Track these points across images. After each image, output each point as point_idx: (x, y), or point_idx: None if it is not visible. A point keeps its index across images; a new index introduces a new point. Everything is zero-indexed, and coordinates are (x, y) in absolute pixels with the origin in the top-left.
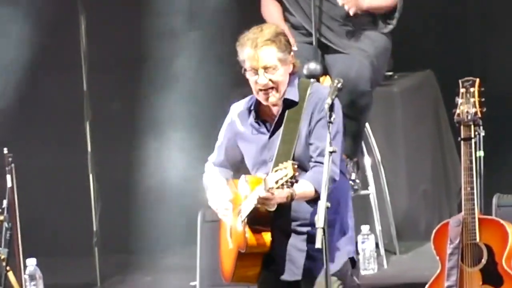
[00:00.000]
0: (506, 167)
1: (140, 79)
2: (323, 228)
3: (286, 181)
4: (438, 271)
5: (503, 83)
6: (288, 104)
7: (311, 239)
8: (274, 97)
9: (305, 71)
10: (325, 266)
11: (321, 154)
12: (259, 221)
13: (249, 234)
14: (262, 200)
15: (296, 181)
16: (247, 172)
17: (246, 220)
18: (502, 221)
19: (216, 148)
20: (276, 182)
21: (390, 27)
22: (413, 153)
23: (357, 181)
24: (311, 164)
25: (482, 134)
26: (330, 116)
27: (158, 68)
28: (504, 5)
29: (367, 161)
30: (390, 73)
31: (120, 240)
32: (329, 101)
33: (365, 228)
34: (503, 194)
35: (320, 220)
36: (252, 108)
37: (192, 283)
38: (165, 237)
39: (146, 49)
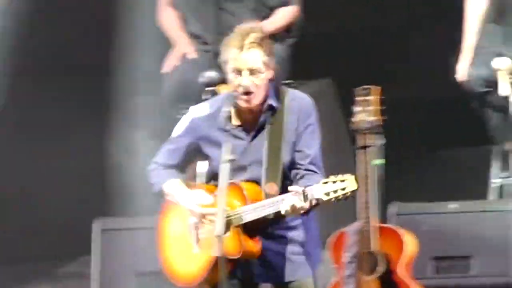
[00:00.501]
0: (410, 174)
1: None
2: (220, 236)
3: (344, 194)
4: (334, 279)
5: (406, 90)
6: (269, 110)
7: (289, 242)
8: (254, 100)
9: (202, 79)
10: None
11: (311, 162)
12: (253, 227)
13: (245, 240)
14: (296, 210)
15: (353, 196)
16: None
17: (241, 225)
18: (397, 229)
19: (168, 151)
20: (327, 194)
21: (290, 40)
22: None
23: None
24: (301, 171)
25: (383, 142)
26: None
27: None
28: (402, 15)
29: None
30: (289, 81)
31: (16, 249)
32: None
33: None
34: (404, 202)
35: (219, 227)
36: (225, 113)
37: None
38: (61, 245)
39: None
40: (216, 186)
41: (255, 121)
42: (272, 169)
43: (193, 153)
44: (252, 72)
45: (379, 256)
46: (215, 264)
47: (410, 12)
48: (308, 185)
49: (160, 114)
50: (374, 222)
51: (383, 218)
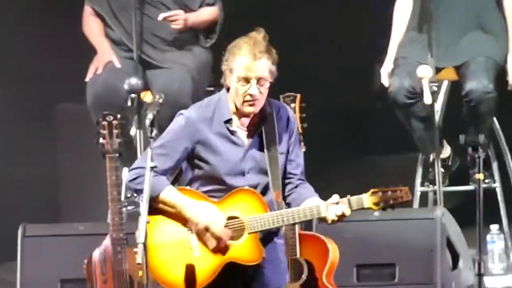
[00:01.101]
0: (335, 181)
1: None
2: (144, 244)
3: (394, 204)
4: None
5: (326, 99)
6: (264, 116)
7: (278, 249)
8: (258, 107)
9: (126, 86)
10: None
11: (302, 172)
12: (267, 235)
13: (261, 247)
14: (343, 218)
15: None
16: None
17: (258, 233)
18: (322, 237)
19: (163, 155)
20: (376, 204)
21: (211, 41)
22: None
23: None
24: (295, 181)
25: (304, 150)
26: (152, 131)
27: None
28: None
29: None
30: (211, 88)
31: None
32: (150, 116)
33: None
34: None
35: (141, 235)
36: (223, 117)
37: None
38: None
39: None
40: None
41: (253, 128)
42: (275, 178)
43: (187, 158)
44: (260, 81)
45: (304, 263)
46: (225, 267)
47: (338, 17)
48: (309, 195)
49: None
50: (299, 229)
51: (307, 226)
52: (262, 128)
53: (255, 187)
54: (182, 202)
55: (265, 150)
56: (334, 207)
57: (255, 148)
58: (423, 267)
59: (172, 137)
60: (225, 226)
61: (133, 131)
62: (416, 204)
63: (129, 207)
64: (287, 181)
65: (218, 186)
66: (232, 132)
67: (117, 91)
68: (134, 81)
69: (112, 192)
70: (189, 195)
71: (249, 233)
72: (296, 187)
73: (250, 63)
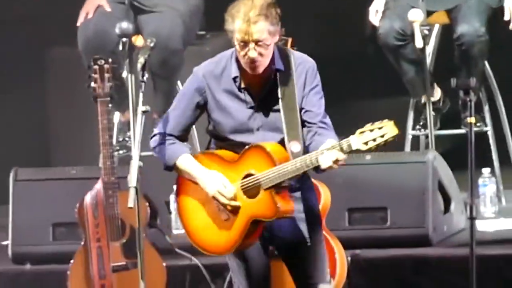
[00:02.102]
0: None
1: None
2: (136, 187)
3: (384, 141)
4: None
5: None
6: (276, 74)
7: (297, 203)
8: (260, 68)
9: (117, 31)
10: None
11: (322, 120)
12: (281, 189)
13: (280, 200)
14: (339, 163)
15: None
16: None
17: (272, 188)
18: (314, 181)
19: (175, 117)
20: (366, 143)
21: None
22: None
23: None
24: (314, 128)
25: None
26: (143, 76)
27: None
28: None
29: None
30: (203, 32)
31: None
32: (141, 60)
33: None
34: None
35: (132, 179)
36: (232, 74)
37: (3, 243)
38: None
39: None
40: (233, 152)
41: (262, 85)
42: (292, 128)
43: (199, 115)
44: (258, 43)
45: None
46: (250, 228)
47: None
48: (326, 141)
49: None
50: None
51: None
52: (273, 85)
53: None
54: (194, 172)
55: (280, 105)
56: (327, 153)
57: (266, 105)
58: (415, 210)
59: (184, 96)
60: (241, 186)
61: (124, 74)
62: (407, 147)
63: (121, 151)
64: (306, 129)
65: (229, 142)
66: (240, 89)
67: (108, 35)
68: (125, 25)
69: (103, 135)
70: (204, 161)
71: (265, 189)
72: (314, 135)
73: (246, 27)
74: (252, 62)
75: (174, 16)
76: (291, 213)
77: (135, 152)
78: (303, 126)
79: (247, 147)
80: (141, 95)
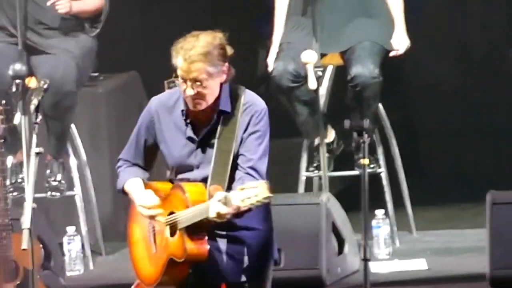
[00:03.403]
0: None
1: None
2: (30, 229)
3: (257, 201)
4: None
5: None
6: (221, 115)
7: (231, 240)
8: (200, 105)
9: (10, 72)
10: None
11: (252, 167)
12: (197, 230)
13: (188, 243)
14: (222, 216)
15: (269, 203)
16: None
17: (184, 229)
18: None
19: (131, 145)
20: (243, 201)
21: (96, 30)
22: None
23: (63, 182)
24: (240, 173)
25: None
26: (36, 117)
27: None
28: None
29: (72, 162)
30: (96, 74)
31: None
32: (35, 102)
33: (71, 229)
34: None
35: (26, 221)
36: (180, 108)
37: None
38: None
39: None
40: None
41: (206, 123)
42: (219, 171)
43: (155, 147)
44: (195, 83)
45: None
46: (170, 265)
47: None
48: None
49: None
50: None
51: None
52: (216, 124)
53: (205, 180)
54: (132, 192)
55: (215, 145)
56: (215, 204)
57: (207, 143)
58: (309, 252)
59: (136, 130)
60: (165, 222)
61: (17, 117)
62: (301, 189)
63: (14, 193)
64: (236, 172)
65: (176, 177)
66: (187, 124)
67: (1, 77)
68: (19, 66)
69: None
70: (153, 187)
71: (179, 230)
72: (238, 180)
73: (185, 65)
74: (191, 99)
75: (68, 58)
76: (202, 257)
77: (29, 194)
78: (236, 169)
79: (173, 185)
80: (34, 136)
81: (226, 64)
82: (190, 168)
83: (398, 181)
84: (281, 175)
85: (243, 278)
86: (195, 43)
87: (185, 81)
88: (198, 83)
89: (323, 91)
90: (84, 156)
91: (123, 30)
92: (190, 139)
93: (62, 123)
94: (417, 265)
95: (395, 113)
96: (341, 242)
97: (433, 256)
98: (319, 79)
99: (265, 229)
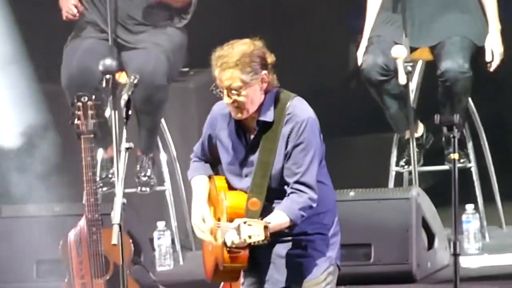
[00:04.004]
0: None
1: None
2: (120, 225)
3: (258, 241)
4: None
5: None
6: (263, 124)
7: (294, 246)
8: (241, 114)
9: (101, 67)
10: None
11: (298, 181)
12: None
13: (226, 255)
14: (239, 245)
15: (267, 243)
16: None
17: (223, 241)
18: None
19: (200, 143)
20: (250, 237)
21: (185, 21)
22: None
23: (153, 177)
24: (288, 190)
25: None
26: (127, 112)
27: None
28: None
29: (162, 157)
30: (186, 69)
31: None
32: (125, 97)
33: (161, 224)
34: None
35: (116, 216)
36: (234, 118)
37: None
38: None
39: None
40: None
41: (252, 132)
42: (258, 183)
43: (216, 147)
44: (230, 91)
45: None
46: (217, 267)
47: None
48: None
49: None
50: None
51: None
52: (260, 132)
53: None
54: (194, 196)
55: (256, 157)
56: (231, 232)
57: (254, 154)
58: (399, 247)
59: (206, 125)
60: (216, 225)
61: (108, 112)
62: (391, 184)
63: (104, 188)
64: (286, 189)
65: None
66: (239, 132)
67: (92, 72)
68: (109, 62)
69: (87, 172)
70: (213, 185)
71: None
72: (287, 195)
73: (219, 74)
74: (232, 107)
75: (158, 52)
76: (241, 267)
77: (119, 189)
78: (280, 181)
79: (221, 191)
80: (124, 131)
81: (265, 71)
82: (239, 176)
83: (488, 176)
84: (371, 170)
85: (301, 280)
86: (229, 51)
87: (222, 89)
88: (233, 91)
89: (413, 86)
90: (174, 151)
91: (214, 25)
92: (239, 146)
93: (152, 118)
94: (507, 260)
95: (485, 108)
96: (431, 237)
97: None
98: (409, 74)
99: (326, 234)
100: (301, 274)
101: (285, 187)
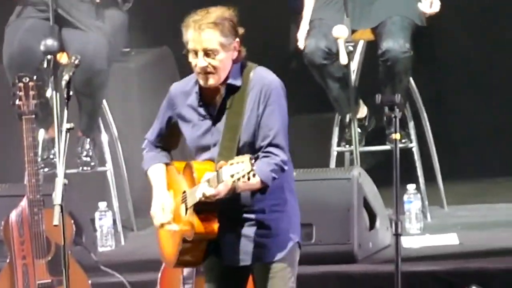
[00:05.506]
0: None
1: None
2: (62, 205)
3: (243, 176)
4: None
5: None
6: (230, 89)
7: (259, 225)
8: (213, 79)
9: (42, 47)
10: None
11: (270, 143)
12: (205, 208)
13: (196, 221)
14: (209, 197)
15: (254, 176)
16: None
17: (192, 207)
18: None
19: (155, 127)
20: (232, 176)
21: (129, 5)
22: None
23: (94, 157)
24: (261, 154)
25: None
26: (68, 93)
27: None
28: None
29: (104, 137)
30: (127, 49)
31: None
32: (66, 77)
33: (102, 205)
34: None
35: (57, 197)
36: (195, 90)
37: None
38: None
39: None
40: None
41: (218, 101)
42: (227, 148)
43: (176, 128)
44: (208, 53)
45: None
46: (184, 244)
47: None
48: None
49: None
50: None
51: None
52: (227, 98)
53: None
54: (153, 186)
55: (224, 122)
56: (201, 185)
57: (220, 122)
58: (340, 227)
59: (161, 109)
60: (182, 201)
61: (49, 92)
62: (332, 164)
63: (46, 169)
64: (259, 153)
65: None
66: (201, 105)
67: (33, 53)
68: (50, 42)
69: (28, 153)
70: (170, 171)
71: (189, 208)
72: (259, 159)
73: (196, 35)
74: (202, 72)
75: (100, 36)
76: (211, 235)
77: (60, 170)
78: (257, 148)
79: (185, 164)
80: (65, 112)
81: (237, 40)
82: (207, 148)
83: (430, 156)
84: (312, 150)
85: (264, 261)
86: (206, 15)
87: (196, 53)
88: (210, 52)
89: (354, 66)
90: (115, 132)
91: (155, 5)
92: (204, 118)
93: (93, 100)
94: (449, 239)
95: (426, 88)
96: (372, 217)
97: (465, 231)
98: (350, 54)
99: (288, 211)
100: (265, 254)
101: (256, 151)
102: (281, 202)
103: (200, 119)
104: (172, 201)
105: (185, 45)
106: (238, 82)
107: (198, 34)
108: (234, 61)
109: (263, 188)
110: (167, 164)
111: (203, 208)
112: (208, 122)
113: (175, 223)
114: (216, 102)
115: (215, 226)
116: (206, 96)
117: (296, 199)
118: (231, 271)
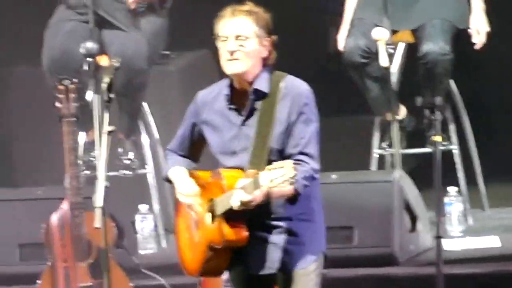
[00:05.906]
0: None
1: None
2: (103, 208)
3: (284, 181)
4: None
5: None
6: (258, 95)
7: (287, 233)
8: (239, 65)
9: (82, 50)
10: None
11: (301, 152)
12: (234, 215)
13: (226, 229)
14: (246, 204)
15: (295, 181)
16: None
17: (221, 215)
18: None
19: (179, 136)
20: (271, 181)
21: (166, 9)
22: None
23: (135, 160)
24: (291, 161)
25: None
26: (108, 95)
27: None
28: None
29: (144, 139)
30: (167, 52)
31: None
32: (106, 80)
33: (143, 207)
34: None
35: (99, 199)
36: (224, 92)
37: None
38: None
39: None
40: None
41: (246, 106)
42: (257, 156)
43: (201, 137)
44: (239, 38)
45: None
46: (210, 252)
47: None
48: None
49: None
50: None
51: None
52: (258, 105)
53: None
54: (175, 180)
55: (255, 129)
56: (237, 192)
57: (248, 127)
58: (381, 230)
59: (185, 117)
60: (206, 209)
61: (89, 95)
62: (373, 166)
63: (87, 171)
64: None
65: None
66: (230, 109)
67: (73, 55)
68: (90, 45)
69: (69, 156)
70: (195, 175)
71: (217, 216)
72: None
73: (227, 21)
74: (230, 55)
75: (139, 36)
76: (241, 242)
77: (101, 172)
78: (287, 156)
79: (213, 172)
80: (106, 115)
81: (269, 38)
82: (234, 153)
83: (471, 158)
84: (353, 153)
85: (289, 269)
86: (242, 5)
87: (227, 38)
88: (241, 38)
89: (394, 69)
90: (156, 134)
91: (195, 8)
92: (232, 122)
93: (133, 102)
94: (490, 242)
95: (467, 90)
96: (413, 220)
97: (506, 233)
98: (390, 56)
99: (315, 221)
100: (291, 262)
101: (285, 159)
102: (307, 211)
103: (227, 124)
104: (196, 188)
105: (216, 40)
106: (266, 89)
107: (232, 19)
108: (264, 63)
109: (294, 196)
110: (190, 172)
111: (232, 216)
112: (236, 128)
113: (199, 231)
114: (244, 107)
115: (245, 233)
116: (235, 99)
117: (321, 208)
118: (255, 280)
